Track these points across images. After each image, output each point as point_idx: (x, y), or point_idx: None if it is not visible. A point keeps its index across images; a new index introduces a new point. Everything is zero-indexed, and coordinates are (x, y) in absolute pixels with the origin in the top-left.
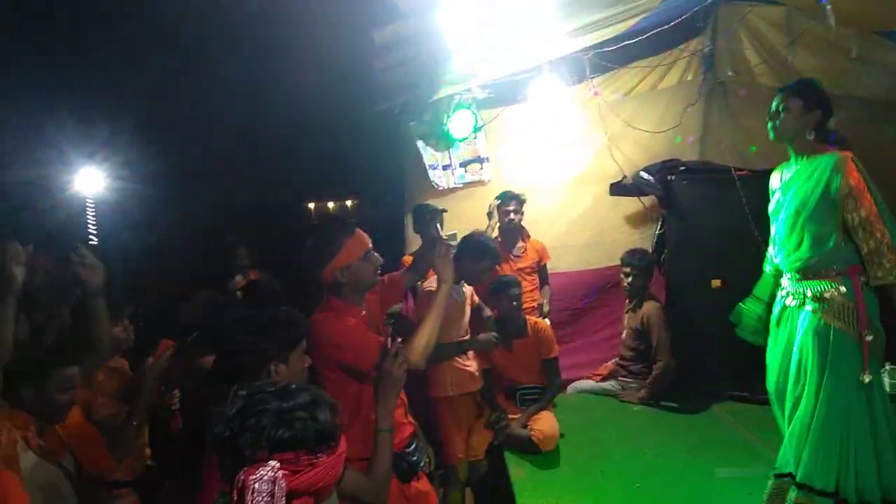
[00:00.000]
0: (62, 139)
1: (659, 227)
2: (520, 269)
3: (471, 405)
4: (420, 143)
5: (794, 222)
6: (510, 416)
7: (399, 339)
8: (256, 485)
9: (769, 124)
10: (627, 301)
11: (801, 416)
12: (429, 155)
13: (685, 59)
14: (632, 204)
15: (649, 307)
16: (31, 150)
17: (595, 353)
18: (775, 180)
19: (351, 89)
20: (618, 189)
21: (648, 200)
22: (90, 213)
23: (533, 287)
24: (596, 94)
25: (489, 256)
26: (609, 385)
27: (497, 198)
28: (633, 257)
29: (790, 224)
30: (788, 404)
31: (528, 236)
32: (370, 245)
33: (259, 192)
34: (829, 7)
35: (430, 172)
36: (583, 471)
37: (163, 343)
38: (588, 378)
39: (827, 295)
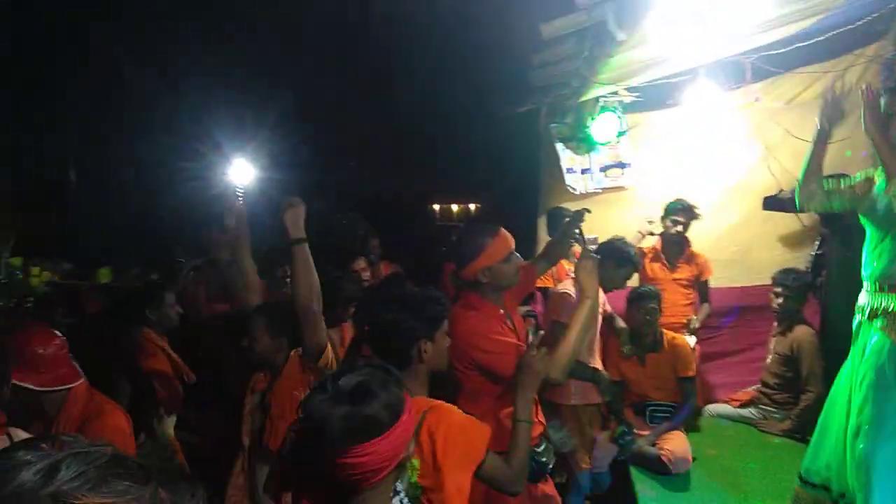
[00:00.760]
0: (219, 133)
1: (817, 247)
2: (675, 280)
3: (594, 416)
4: (559, 146)
5: (882, 230)
6: (638, 432)
7: (541, 332)
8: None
9: None
10: (776, 324)
11: None
12: (567, 158)
13: (860, 66)
14: (786, 221)
15: (801, 332)
16: (193, 145)
17: (734, 376)
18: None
19: (497, 87)
20: (773, 203)
21: (807, 218)
22: (241, 200)
23: (688, 302)
24: (756, 100)
25: (629, 264)
26: (748, 412)
27: (666, 206)
28: (787, 277)
29: (877, 231)
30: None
31: (691, 248)
32: (513, 247)
33: (387, 189)
34: None
35: (568, 176)
36: (717, 500)
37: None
38: (725, 402)
39: None
